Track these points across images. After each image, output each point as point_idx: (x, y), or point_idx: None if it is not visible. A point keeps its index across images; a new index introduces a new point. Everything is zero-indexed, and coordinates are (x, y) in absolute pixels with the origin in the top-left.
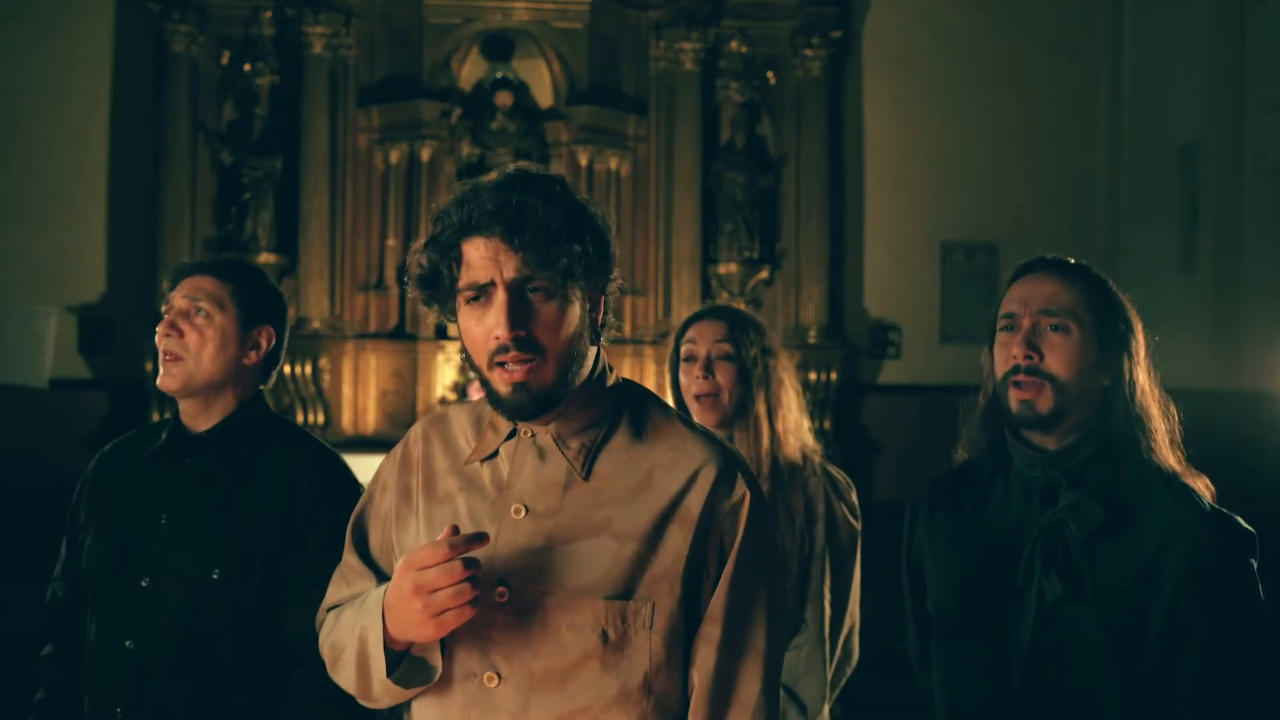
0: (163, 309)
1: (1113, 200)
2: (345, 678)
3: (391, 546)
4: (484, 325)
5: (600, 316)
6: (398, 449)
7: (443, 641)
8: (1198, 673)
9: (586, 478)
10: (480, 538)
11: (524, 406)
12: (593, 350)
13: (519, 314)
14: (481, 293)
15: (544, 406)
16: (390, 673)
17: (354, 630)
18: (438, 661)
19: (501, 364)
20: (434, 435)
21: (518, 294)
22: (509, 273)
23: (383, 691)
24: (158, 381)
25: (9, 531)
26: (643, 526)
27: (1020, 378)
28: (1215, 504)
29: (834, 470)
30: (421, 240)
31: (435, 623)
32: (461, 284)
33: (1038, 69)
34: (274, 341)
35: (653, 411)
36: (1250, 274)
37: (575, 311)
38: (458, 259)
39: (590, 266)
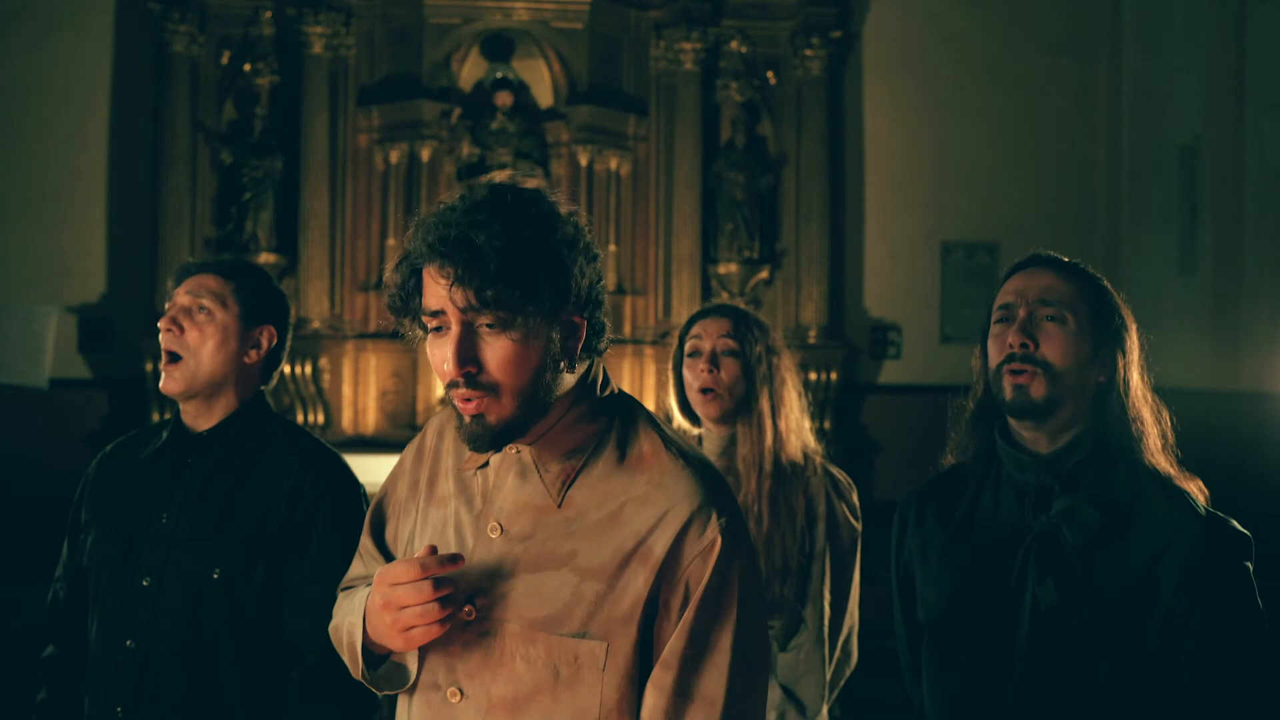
0: (165, 306)
1: (1113, 200)
2: (348, 661)
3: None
4: (440, 355)
5: (579, 342)
6: (419, 438)
7: (424, 647)
8: (1195, 676)
9: (560, 505)
10: (454, 559)
11: (479, 439)
12: (569, 376)
13: (467, 349)
14: (438, 319)
15: (504, 439)
16: (371, 669)
17: (343, 625)
18: (413, 669)
19: (458, 397)
20: (448, 431)
21: (468, 328)
22: (458, 306)
23: (370, 683)
24: (160, 385)
25: (9, 531)
26: (606, 564)
27: (1015, 365)
28: (1210, 507)
29: (835, 470)
30: (392, 262)
31: (403, 638)
32: (423, 312)
33: (1038, 69)
34: (275, 341)
35: (642, 436)
36: (1250, 274)
37: (536, 345)
38: (419, 284)
39: (542, 299)
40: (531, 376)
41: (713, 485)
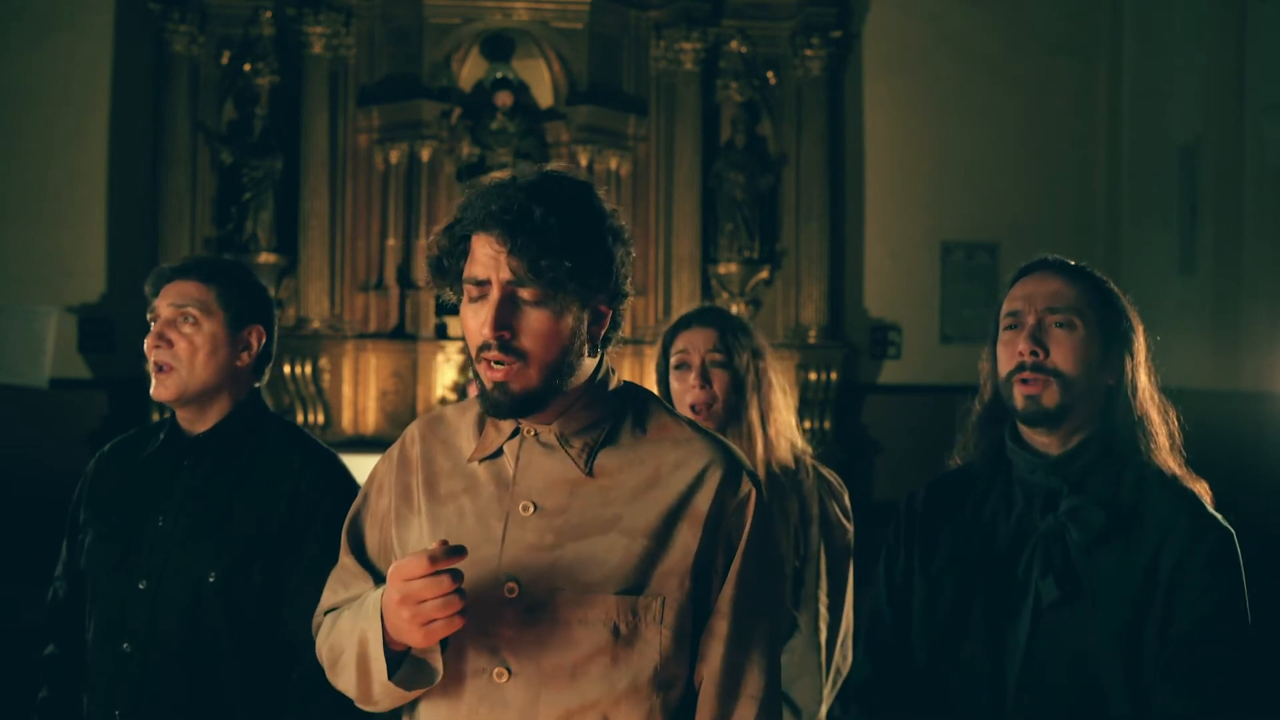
0: (148, 317)
1: (1113, 200)
2: (345, 680)
3: (391, 547)
4: (478, 320)
5: (603, 329)
6: (394, 449)
7: (449, 639)
8: (1178, 670)
9: (589, 474)
10: (459, 551)
11: (501, 406)
12: (590, 361)
13: (506, 315)
14: (480, 289)
15: (524, 409)
16: (391, 674)
17: (353, 633)
18: (438, 664)
19: (487, 360)
20: (432, 435)
21: (509, 296)
22: (504, 275)
23: (383, 693)
24: (151, 392)
25: (9, 531)
26: (652, 523)
27: (1026, 374)
28: (1213, 509)
29: (826, 472)
30: (442, 224)
31: (423, 632)
32: (465, 277)
33: (1038, 69)
34: (265, 339)
35: (656, 412)
36: (1250, 274)
37: (568, 322)
38: (466, 251)
39: (585, 281)
40: (559, 352)
41: (732, 448)
